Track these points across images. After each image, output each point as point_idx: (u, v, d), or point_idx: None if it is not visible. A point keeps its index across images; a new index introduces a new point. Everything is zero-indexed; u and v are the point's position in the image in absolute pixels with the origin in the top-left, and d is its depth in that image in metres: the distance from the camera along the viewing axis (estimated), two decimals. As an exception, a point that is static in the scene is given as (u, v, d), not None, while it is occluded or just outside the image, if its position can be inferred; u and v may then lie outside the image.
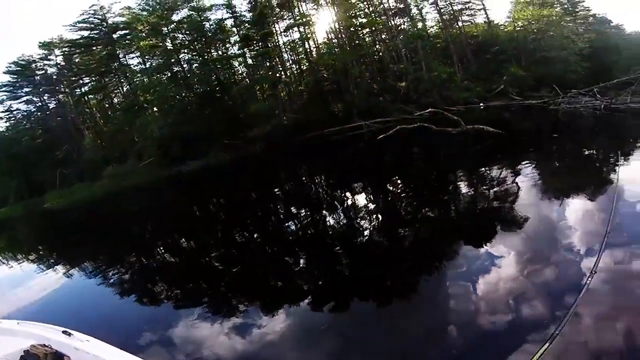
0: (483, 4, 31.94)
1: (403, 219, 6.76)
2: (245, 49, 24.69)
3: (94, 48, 27.60)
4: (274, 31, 25.54)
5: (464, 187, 8.09)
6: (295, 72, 27.00)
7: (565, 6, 34.83)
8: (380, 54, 27.57)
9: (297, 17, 26.12)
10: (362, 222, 7.00)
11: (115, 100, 29.29)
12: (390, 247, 5.54)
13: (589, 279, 3.27)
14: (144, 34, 23.73)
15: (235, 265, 5.95)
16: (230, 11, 24.66)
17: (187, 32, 24.44)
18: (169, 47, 24.54)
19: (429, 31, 30.17)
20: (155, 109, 25.05)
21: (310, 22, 25.84)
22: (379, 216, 7.19)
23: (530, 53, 28.95)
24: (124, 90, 28.13)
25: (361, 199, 8.74)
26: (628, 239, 4.33)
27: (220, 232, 8.68)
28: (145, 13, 24.57)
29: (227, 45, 26.35)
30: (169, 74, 24.88)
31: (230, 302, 4.59)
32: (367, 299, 4.08)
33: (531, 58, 28.80)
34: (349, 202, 8.80)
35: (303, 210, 8.64)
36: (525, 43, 29.31)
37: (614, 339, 2.86)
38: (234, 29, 25.69)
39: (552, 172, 8.44)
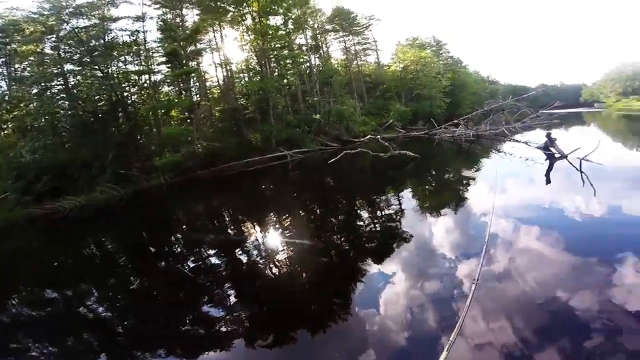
0: (376, 46, 36.32)
1: (317, 246, 6.86)
2: (167, 65, 22.01)
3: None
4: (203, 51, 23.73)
5: (384, 208, 9.04)
6: (209, 97, 25.11)
7: (434, 48, 41.99)
8: (293, 86, 27.92)
9: (219, 41, 25.11)
10: (277, 254, 6.80)
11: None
12: (305, 276, 5.78)
13: (473, 288, 3.91)
14: (27, 38, 18.94)
15: (135, 316, 5.35)
16: (162, 23, 21.93)
17: (84, 40, 20.46)
18: (54, 55, 20.14)
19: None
20: (10, 129, 19.81)
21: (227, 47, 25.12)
22: (295, 247, 7.07)
23: (408, 91, 33.80)
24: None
25: (276, 231, 8.44)
26: (503, 251, 5.28)
27: (119, 281, 6.93)
28: (36, 16, 19.83)
29: (135, 59, 23.08)
30: (45, 87, 20.17)
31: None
32: (292, 329, 4.08)
33: (409, 96, 33.72)
34: (265, 234, 8.40)
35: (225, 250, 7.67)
36: (405, 82, 33.90)
37: (501, 341, 3.30)
38: (137, 45, 22.87)
39: (451, 189, 10.57)
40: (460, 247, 5.80)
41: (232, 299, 5.15)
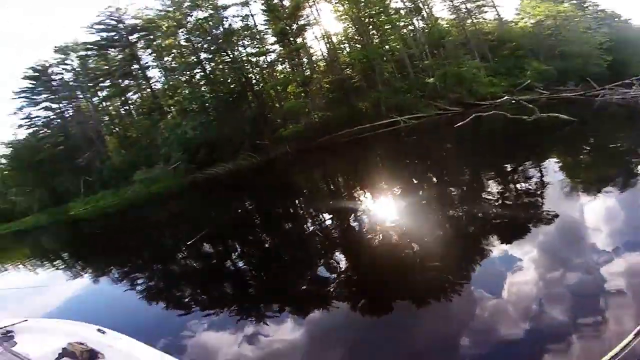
0: (494, 2, 31.73)
1: (433, 218, 6.31)
2: (279, 45, 24.04)
3: (110, 51, 27.34)
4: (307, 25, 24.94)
5: (520, 180, 7.45)
6: (318, 69, 26.52)
7: (575, 2, 34.29)
8: (397, 52, 26.94)
9: (317, 15, 25.74)
10: (389, 223, 6.52)
11: (135, 103, 28.95)
12: (416, 249, 5.20)
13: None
14: (165, 33, 23.36)
15: (257, 272, 6.15)
16: (266, 6, 23.63)
17: (207, 30, 23.80)
18: (189, 47, 24.25)
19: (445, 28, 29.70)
20: (175, 112, 24.87)
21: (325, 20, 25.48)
22: (408, 216, 6.61)
23: (548, 49, 28.69)
24: (144, 94, 27.75)
25: (390, 198, 8.18)
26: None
27: (244, 241, 8.37)
28: (163, 13, 24.12)
29: (251, 42, 25.72)
30: (191, 75, 24.49)
31: (253, 306, 4.67)
32: (387, 305, 3.85)
33: (550, 53, 28.55)
34: (378, 201, 8.29)
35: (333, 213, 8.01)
36: (541, 39, 28.88)
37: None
38: (249, 29, 25.19)
39: (621, 163, 7.27)
40: (622, 235, 4.23)
41: (342, 263, 5.28)
